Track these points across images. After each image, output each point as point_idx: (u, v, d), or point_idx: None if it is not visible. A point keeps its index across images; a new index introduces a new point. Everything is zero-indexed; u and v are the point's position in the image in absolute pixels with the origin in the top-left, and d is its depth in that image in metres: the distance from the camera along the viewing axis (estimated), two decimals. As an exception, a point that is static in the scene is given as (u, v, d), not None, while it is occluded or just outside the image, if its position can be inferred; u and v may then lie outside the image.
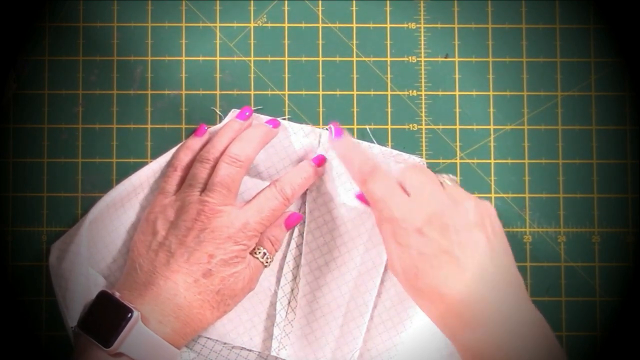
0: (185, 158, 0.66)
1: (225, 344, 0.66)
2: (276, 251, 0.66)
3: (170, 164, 0.66)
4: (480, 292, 0.57)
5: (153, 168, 0.67)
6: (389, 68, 0.69)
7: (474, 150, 0.68)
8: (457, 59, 0.69)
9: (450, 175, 0.63)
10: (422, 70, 0.69)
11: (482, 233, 0.59)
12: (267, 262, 0.64)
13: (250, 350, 0.67)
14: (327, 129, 0.67)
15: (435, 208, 0.59)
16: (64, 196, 0.68)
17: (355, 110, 0.68)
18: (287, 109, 0.68)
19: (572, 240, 0.68)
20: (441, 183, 0.61)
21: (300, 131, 0.68)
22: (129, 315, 0.58)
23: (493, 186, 0.68)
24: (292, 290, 0.67)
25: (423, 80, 0.69)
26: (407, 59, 0.69)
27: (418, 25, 0.69)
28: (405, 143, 0.68)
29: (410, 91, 0.69)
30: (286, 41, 0.69)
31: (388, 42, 0.69)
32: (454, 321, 0.57)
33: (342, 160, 0.65)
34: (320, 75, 0.68)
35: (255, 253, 0.64)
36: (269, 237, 0.65)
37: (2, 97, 0.66)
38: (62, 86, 0.68)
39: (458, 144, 0.68)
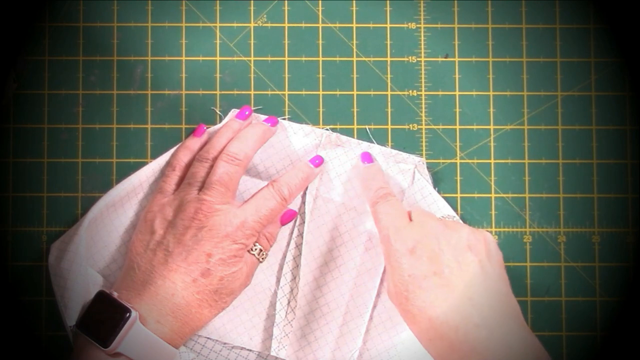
0: (184, 158, 0.66)
1: (225, 344, 0.66)
2: (271, 247, 0.66)
3: (169, 164, 0.66)
4: (471, 317, 0.57)
5: (153, 168, 0.67)
6: (389, 68, 0.69)
7: (474, 150, 0.68)
8: (457, 59, 0.69)
9: (455, 215, 0.65)
10: (422, 70, 0.69)
11: (475, 257, 0.59)
12: (262, 258, 0.64)
13: (250, 350, 0.67)
14: (328, 130, 0.67)
15: (428, 231, 0.60)
16: (64, 196, 0.68)
17: (355, 110, 0.68)
18: (287, 109, 0.68)
19: (572, 240, 0.68)
20: (442, 218, 0.63)
21: (300, 131, 0.68)
22: (127, 315, 0.58)
23: (493, 186, 0.68)
24: (292, 290, 0.67)
25: (423, 80, 0.69)
26: (407, 59, 0.69)
27: (418, 25, 0.69)
28: (405, 143, 0.68)
29: (410, 91, 0.69)
30: (286, 41, 0.69)
31: (388, 42, 0.69)
32: (444, 346, 0.57)
33: (362, 183, 0.66)
34: (320, 75, 0.68)
35: (252, 250, 0.64)
36: (265, 234, 0.65)
37: (2, 97, 0.66)
38: (62, 86, 0.68)
39: (458, 144, 0.68)
